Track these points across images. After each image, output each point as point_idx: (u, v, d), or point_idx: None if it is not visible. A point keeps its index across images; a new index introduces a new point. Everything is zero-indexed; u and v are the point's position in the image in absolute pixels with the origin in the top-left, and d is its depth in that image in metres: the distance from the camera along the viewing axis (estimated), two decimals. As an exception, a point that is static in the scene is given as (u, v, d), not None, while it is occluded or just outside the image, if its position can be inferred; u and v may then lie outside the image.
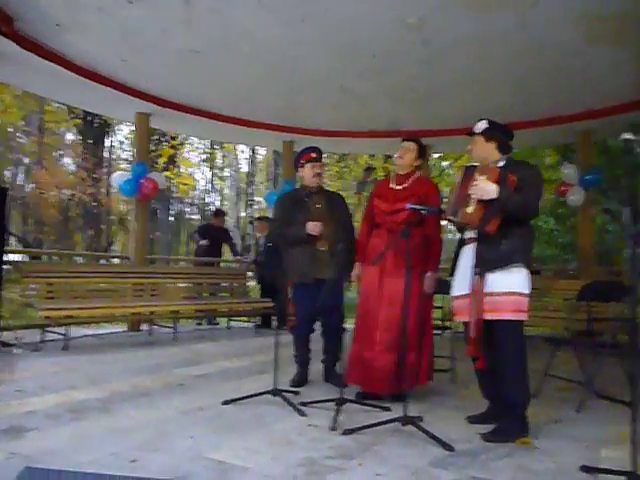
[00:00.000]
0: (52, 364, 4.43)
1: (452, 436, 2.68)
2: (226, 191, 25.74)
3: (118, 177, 6.91)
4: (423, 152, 3.61)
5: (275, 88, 6.42)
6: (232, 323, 7.89)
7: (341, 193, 4.57)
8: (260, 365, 4.54)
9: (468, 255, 2.90)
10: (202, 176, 24.68)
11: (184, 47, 5.26)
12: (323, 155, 4.07)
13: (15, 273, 6.20)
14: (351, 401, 3.14)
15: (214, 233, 8.09)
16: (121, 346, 5.64)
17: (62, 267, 6.24)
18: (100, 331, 6.67)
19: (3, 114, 13.99)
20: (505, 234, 2.73)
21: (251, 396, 3.28)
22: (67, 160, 19.56)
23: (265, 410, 3.12)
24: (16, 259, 8.66)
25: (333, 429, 2.76)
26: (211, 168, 24.36)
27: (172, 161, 18.36)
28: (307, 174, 3.96)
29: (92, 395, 3.39)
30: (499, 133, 2.94)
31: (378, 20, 4.66)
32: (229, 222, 20.07)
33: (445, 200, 3.45)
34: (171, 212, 23.12)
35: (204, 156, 23.27)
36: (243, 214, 24.11)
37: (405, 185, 3.51)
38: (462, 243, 3.02)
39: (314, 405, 3.20)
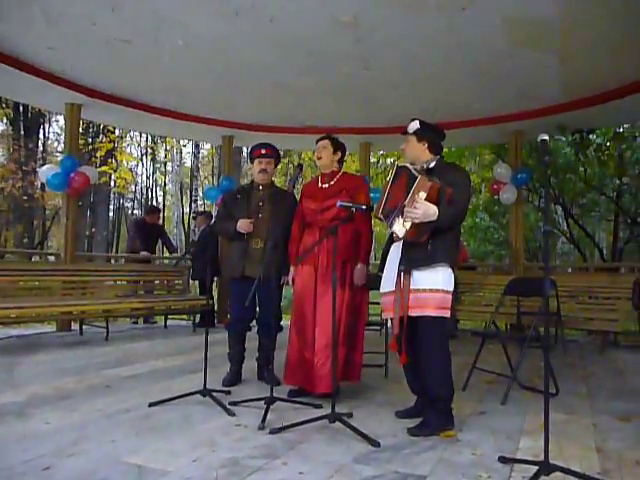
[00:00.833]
0: (-30, 368, 4.19)
1: (379, 431, 2.71)
2: (169, 186, 25.14)
3: (46, 171, 6.57)
4: (338, 146, 3.62)
5: (210, 81, 6.28)
6: (170, 322, 7.71)
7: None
8: (194, 364, 4.43)
9: (396, 252, 2.94)
10: (143, 171, 24.01)
11: (114, 36, 5.06)
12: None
13: None
14: (281, 399, 3.12)
15: (148, 230, 7.86)
16: (48, 347, 5.40)
17: (-15, 265, 5.91)
18: (27, 332, 6.36)
19: None
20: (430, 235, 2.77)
21: (179, 397, 3.20)
22: (-4, 152, 18.54)
23: (193, 411, 3.05)
24: None
25: (261, 428, 2.73)
26: (153, 162, 23.71)
27: (111, 155, 17.71)
28: (254, 170, 3.96)
29: (9, 399, 3.23)
30: (430, 133, 2.98)
31: (311, 17, 4.63)
32: (172, 218, 19.64)
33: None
34: (111, 208, 22.36)
35: (145, 150, 22.62)
36: (187, 210, 23.61)
37: (332, 182, 3.54)
38: (391, 240, 3.06)
39: (244, 404, 3.16)
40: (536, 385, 3.81)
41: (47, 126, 20.19)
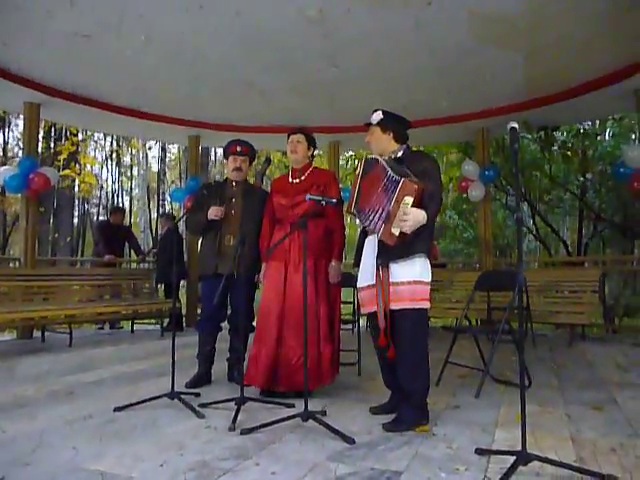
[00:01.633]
0: None
1: (353, 428, 2.65)
2: (136, 191, 24.67)
3: (3, 172, 6.31)
4: (312, 141, 3.59)
5: (175, 79, 6.13)
6: (137, 326, 7.50)
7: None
8: (161, 368, 4.30)
9: (371, 245, 2.88)
10: (109, 175, 23.51)
11: (72, 31, 4.88)
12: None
13: None
14: (252, 399, 3.03)
15: (113, 231, 7.64)
16: (6, 355, 5.17)
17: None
18: (-16, 340, 6.10)
19: None
20: None
21: (146, 400, 3.07)
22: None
23: (160, 414, 2.93)
24: None
25: (231, 429, 2.63)
26: (118, 167, 23.23)
27: (74, 159, 17.27)
28: (228, 167, 3.90)
29: (-38, 410, 3.05)
30: (395, 123, 2.95)
31: (277, 11, 4.56)
32: (139, 223, 19.26)
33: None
34: (76, 213, 21.80)
35: (109, 154, 22.14)
36: (155, 214, 23.20)
37: (303, 177, 3.49)
38: (364, 233, 3.01)
39: (214, 406, 3.06)
40: (509, 378, 3.82)
41: (7, 130, 19.59)
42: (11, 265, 7.57)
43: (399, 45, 5.25)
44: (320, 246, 3.38)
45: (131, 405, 3.03)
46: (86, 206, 23.51)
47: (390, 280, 2.75)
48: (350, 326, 4.74)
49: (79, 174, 17.22)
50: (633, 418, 2.85)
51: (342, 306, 3.80)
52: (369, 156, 2.97)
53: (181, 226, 8.87)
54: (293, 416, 2.66)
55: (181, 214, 4.14)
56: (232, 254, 3.59)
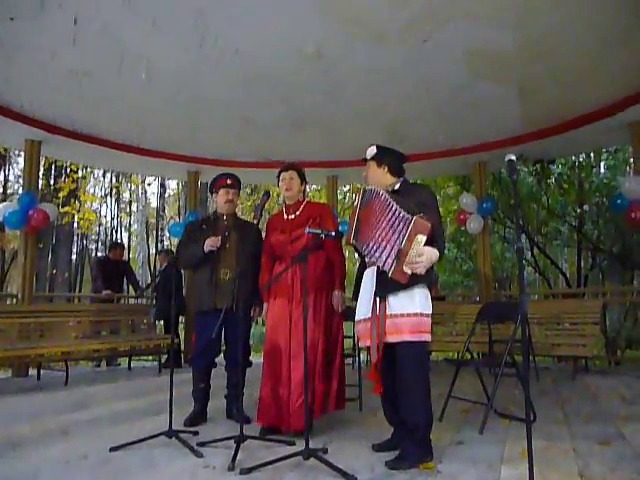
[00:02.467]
0: None
1: (356, 466, 2.58)
2: (135, 226, 24.74)
3: (3, 208, 6.33)
4: (303, 176, 3.60)
5: (175, 115, 6.22)
6: (134, 363, 7.39)
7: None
8: (158, 405, 4.21)
9: (370, 277, 2.87)
10: (108, 211, 23.61)
11: (74, 69, 4.98)
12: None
13: None
14: (252, 437, 2.96)
15: (112, 267, 7.62)
16: (1, 393, 5.06)
17: None
18: (-21, 379, 6.00)
19: None
20: None
21: (143, 440, 3.00)
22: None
23: (157, 453, 2.86)
24: None
25: (231, 469, 2.56)
26: (117, 202, 23.35)
27: (74, 196, 17.38)
28: (219, 200, 3.86)
29: (-46, 451, 2.97)
30: (389, 157, 2.98)
31: (275, 49, 4.68)
32: (138, 258, 19.21)
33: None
34: (74, 249, 21.79)
35: (109, 190, 22.29)
36: (153, 250, 23.19)
37: (297, 213, 3.49)
38: (363, 266, 3.00)
39: (213, 444, 2.99)
40: (513, 412, 3.74)
41: (7, 167, 19.77)
42: (8, 302, 7.51)
43: (396, 81, 5.35)
44: (322, 279, 3.37)
45: (127, 444, 2.95)
46: (85, 242, 23.53)
47: (389, 312, 2.72)
48: (350, 360, 4.68)
49: (78, 211, 17.29)
50: (642, 453, 2.78)
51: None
52: (367, 187, 2.99)
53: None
54: (294, 454, 2.59)
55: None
56: (229, 288, 3.58)
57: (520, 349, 2.35)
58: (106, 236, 23.91)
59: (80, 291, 19.87)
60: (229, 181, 3.85)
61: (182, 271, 8.07)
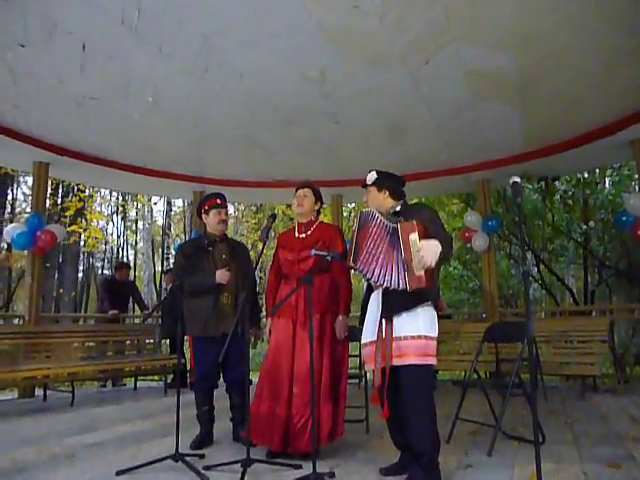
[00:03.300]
0: None
1: (363, 491, 2.56)
2: (141, 244, 24.82)
3: (11, 230, 6.40)
4: (319, 195, 3.62)
5: (180, 137, 6.30)
6: (140, 383, 7.38)
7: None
8: (164, 428, 4.20)
9: (376, 300, 2.87)
10: (114, 230, 23.74)
11: (82, 93, 5.07)
12: (240, 205, 3.99)
13: None
14: (259, 461, 2.95)
15: (118, 287, 7.65)
16: (7, 415, 5.07)
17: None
18: (-15, 400, 6.00)
19: None
20: None
21: (149, 463, 2.99)
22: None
23: (164, 478, 2.85)
24: None
25: (237, 494, 2.55)
26: (124, 221, 23.49)
27: (81, 214, 17.51)
28: (212, 221, 3.82)
29: (-40, 476, 2.97)
30: (389, 181, 3.01)
31: (279, 73, 4.75)
32: (143, 277, 19.26)
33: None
34: (80, 268, 21.88)
35: (115, 209, 22.43)
36: (159, 268, 23.24)
37: (309, 233, 3.48)
38: (370, 289, 3.00)
39: (219, 468, 2.97)
40: (521, 434, 3.71)
41: (15, 187, 19.98)
42: (15, 322, 7.55)
43: (398, 101, 5.40)
44: (327, 301, 3.37)
45: (133, 468, 2.94)
46: (91, 260, 23.63)
47: (394, 335, 2.72)
48: (357, 380, 4.65)
49: (85, 230, 17.40)
50: (652, 476, 2.75)
51: (349, 359, 3.75)
52: (364, 209, 3.01)
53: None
54: (301, 479, 2.58)
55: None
56: (230, 312, 3.60)
57: (528, 368, 2.34)
58: (112, 254, 24.01)
59: (86, 310, 19.90)
60: (219, 201, 3.83)
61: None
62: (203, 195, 8.22)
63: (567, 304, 12.23)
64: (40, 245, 6.33)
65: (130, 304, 8.93)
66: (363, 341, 2.93)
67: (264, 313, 4.15)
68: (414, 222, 2.60)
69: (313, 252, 3.06)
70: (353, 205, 15.59)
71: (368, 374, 4.39)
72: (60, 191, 17.87)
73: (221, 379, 3.80)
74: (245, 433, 3.15)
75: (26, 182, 19.83)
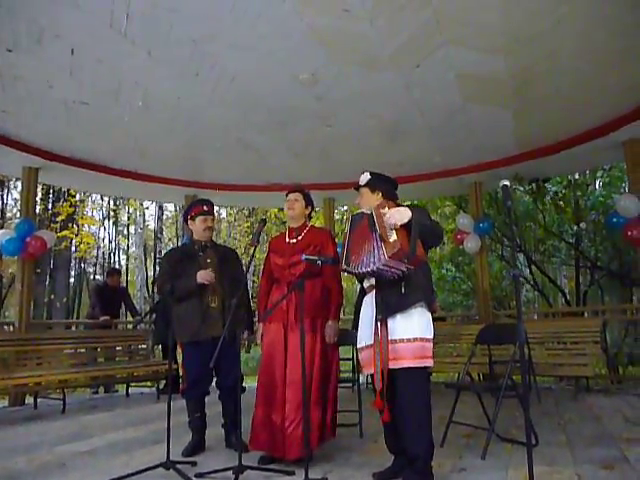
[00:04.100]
0: None
1: (356, 496, 2.54)
2: (133, 249, 24.70)
3: (0, 236, 6.33)
4: (309, 199, 3.61)
5: (172, 141, 6.27)
6: (132, 389, 7.32)
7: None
8: (156, 435, 4.16)
9: (369, 303, 2.86)
10: (106, 234, 23.61)
11: (71, 98, 5.03)
12: (232, 209, 3.97)
13: None
14: (251, 467, 2.92)
15: (110, 294, 7.60)
16: (-3, 424, 5.02)
17: None
18: (-26, 409, 5.93)
19: None
20: (402, 276, 2.70)
21: (140, 472, 2.96)
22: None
23: (155, 486, 2.82)
24: None
25: (229, 501, 2.53)
26: (115, 225, 23.37)
27: (72, 219, 17.40)
28: (198, 228, 3.82)
29: (-52, 486, 2.93)
30: (383, 183, 3.00)
31: (271, 76, 4.74)
32: (136, 281, 19.16)
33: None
34: (72, 273, 21.72)
35: (107, 213, 22.32)
36: (151, 273, 23.13)
37: (300, 237, 3.48)
38: (363, 293, 2.99)
39: (212, 475, 2.95)
40: (515, 436, 3.70)
41: (6, 193, 19.83)
42: (5, 328, 7.46)
43: (390, 104, 5.41)
44: (318, 306, 3.35)
45: (125, 477, 2.91)
46: (83, 265, 23.47)
47: (389, 338, 2.70)
48: (350, 384, 4.64)
49: (77, 235, 17.29)
50: (646, 477, 2.75)
51: (341, 363, 3.74)
52: (356, 212, 3.01)
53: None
54: (293, 485, 2.56)
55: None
56: (218, 316, 3.58)
57: (521, 369, 2.34)
58: (104, 259, 23.87)
59: (78, 316, 19.76)
60: (206, 208, 3.83)
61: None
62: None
63: (559, 305, 12.27)
64: (30, 251, 6.27)
65: (122, 309, 8.87)
66: (359, 345, 2.92)
67: (257, 317, 4.13)
68: (384, 202, 2.65)
69: (304, 257, 3.04)
70: (346, 208, 15.60)
71: (361, 378, 4.38)
72: (51, 196, 17.74)
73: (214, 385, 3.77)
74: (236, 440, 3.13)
75: (16, 187, 19.69)
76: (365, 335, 2.86)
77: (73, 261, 21.31)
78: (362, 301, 2.97)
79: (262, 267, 3.74)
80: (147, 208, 21.96)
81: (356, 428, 4.01)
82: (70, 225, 17.08)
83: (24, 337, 6.10)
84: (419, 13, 3.87)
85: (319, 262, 2.98)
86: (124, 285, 11.76)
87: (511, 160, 6.99)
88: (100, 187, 8.57)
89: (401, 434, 2.70)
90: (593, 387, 6.41)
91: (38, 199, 11.38)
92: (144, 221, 22.67)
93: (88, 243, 19.12)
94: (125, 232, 24.02)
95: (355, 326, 2.99)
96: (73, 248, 18.74)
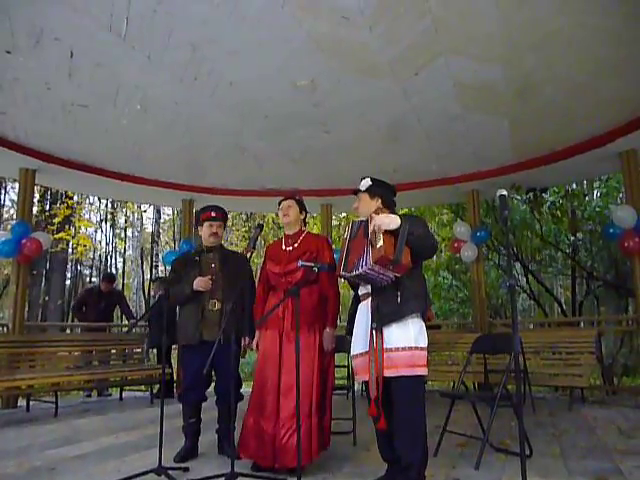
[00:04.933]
0: None
1: (348, 506, 2.52)
2: (129, 252, 24.63)
3: (-5, 238, 6.31)
4: (303, 205, 3.62)
5: (169, 145, 6.27)
6: (126, 393, 7.28)
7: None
8: (149, 439, 4.14)
9: (364, 311, 2.85)
10: (103, 237, 23.55)
11: (70, 101, 5.03)
12: (229, 214, 3.97)
13: None
14: (243, 475, 2.90)
15: (104, 298, 7.57)
16: (-12, 427, 4.98)
17: None
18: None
19: None
20: (398, 285, 2.70)
21: (131, 477, 2.93)
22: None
23: (146, 492, 2.79)
24: None
25: (220, 508, 2.50)
26: (112, 228, 23.33)
27: (69, 222, 17.35)
28: (205, 233, 3.85)
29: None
30: (382, 190, 3.00)
31: (270, 82, 4.74)
32: (132, 284, 19.10)
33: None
34: (68, 275, 21.64)
35: (104, 216, 22.28)
36: (148, 276, 23.06)
37: (296, 245, 3.47)
38: (357, 300, 2.98)
39: (203, 482, 2.92)
40: (509, 446, 3.69)
41: (3, 193, 19.80)
42: (-1, 330, 7.43)
43: (388, 112, 5.42)
44: (314, 313, 3.34)
45: (116, 483, 2.89)
46: (79, 267, 23.39)
47: (384, 346, 2.70)
48: (345, 391, 4.62)
49: (73, 237, 17.24)
50: (639, 490, 2.73)
51: (336, 370, 3.72)
52: (355, 219, 3.00)
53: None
54: (285, 493, 2.54)
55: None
56: (216, 320, 3.58)
57: (516, 380, 2.33)
58: (100, 262, 23.80)
59: (73, 319, 19.67)
60: (213, 214, 3.85)
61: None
62: (192, 203, 8.21)
63: (555, 315, 12.27)
64: (25, 253, 6.24)
65: (118, 312, 8.85)
66: (353, 352, 2.91)
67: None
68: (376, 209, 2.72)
69: (300, 264, 3.04)
70: (343, 214, 15.60)
71: (356, 385, 4.36)
72: (48, 198, 17.71)
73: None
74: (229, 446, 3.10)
75: (14, 188, 19.65)
76: (360, 343, 2.85)
77: (69, 263, 21.23)
78: (356, 308, 2.96)
79: (258, 274, 3.73)
80: (145, 211, 21.95)
81: (349, 436, 3.99)
82: (67, 227, 17.03)
83: (18, 339, 6.07)
84: (418, 22, 3.88)
85: (315, 269, 2.97)
86: (119, 289, 11.72)
87: (508, 169, 6.99)
88: (97, 189, 8.54)
89: (396, 442, 2.69)
90: (588, 398, 6.40)
91: (35, 201, 11.37)
92: (141, 224, 22.65)
93: (85, 245, 19.07)
94: (122, 235, 23.97)
95: (349, 332, 2.99)
96: (70, 250, 18.67)
